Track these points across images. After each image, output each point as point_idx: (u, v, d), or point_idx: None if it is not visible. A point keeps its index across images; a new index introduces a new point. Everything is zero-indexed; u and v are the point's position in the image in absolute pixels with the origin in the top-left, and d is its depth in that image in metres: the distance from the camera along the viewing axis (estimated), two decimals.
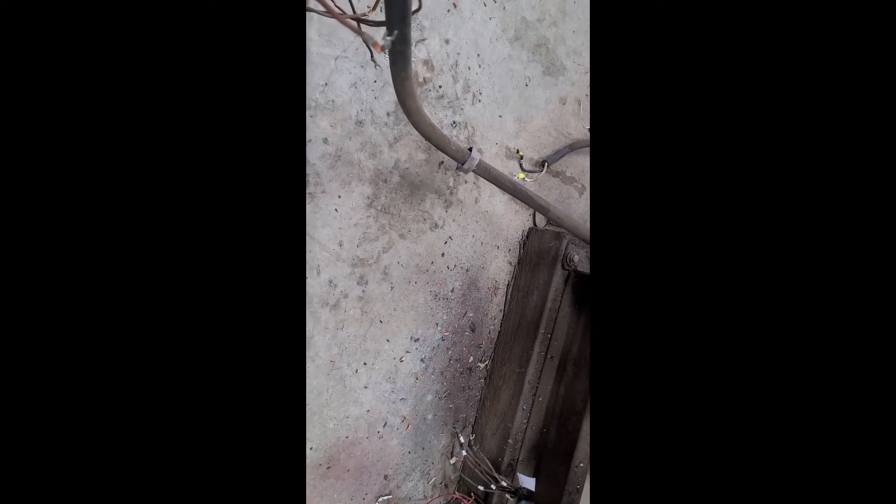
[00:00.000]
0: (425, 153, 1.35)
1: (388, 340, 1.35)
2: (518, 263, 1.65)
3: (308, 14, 1.03)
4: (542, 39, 1.59)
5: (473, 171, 1.19)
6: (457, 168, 1.19)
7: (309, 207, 1.13)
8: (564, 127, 1.72)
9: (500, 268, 1.61)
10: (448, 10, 1.33)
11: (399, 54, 0.80)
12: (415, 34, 1.27)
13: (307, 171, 1.12)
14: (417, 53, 1.29)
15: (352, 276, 1.25)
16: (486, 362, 1.62)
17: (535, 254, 1.58)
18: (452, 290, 1.49)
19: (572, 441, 1.45)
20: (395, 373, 1.39)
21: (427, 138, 1.08)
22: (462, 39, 1.38)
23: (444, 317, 1.48)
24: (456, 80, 1.39)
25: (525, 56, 1.55)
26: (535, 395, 1.54)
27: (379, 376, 1.36)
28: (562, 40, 1.65)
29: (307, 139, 1.11)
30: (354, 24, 0.74)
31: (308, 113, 1.10)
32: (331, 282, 1.21)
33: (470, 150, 1.16)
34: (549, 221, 1.65)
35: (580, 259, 1.47)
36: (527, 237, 1.65)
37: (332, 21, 1.04)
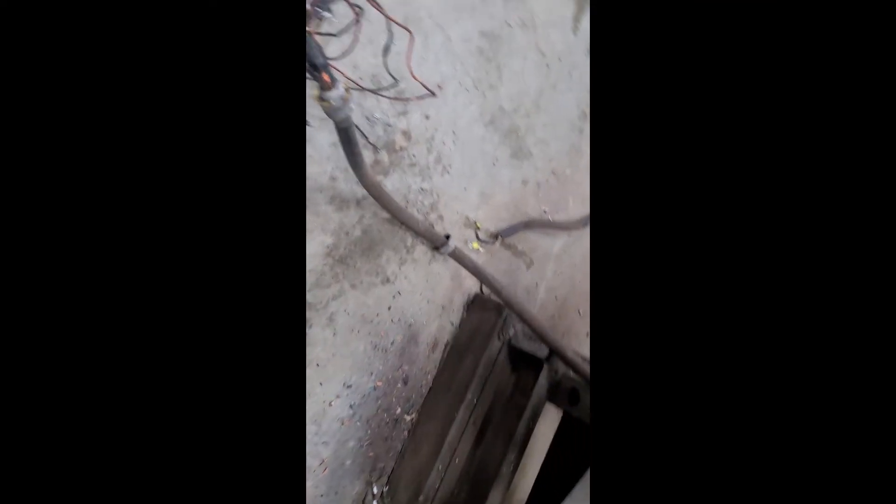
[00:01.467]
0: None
1: (321, 384, 1.40)
2: (459, 325, 1.74)
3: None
4: (514, 127, 1.74)
5: (448, 255, 1.29)
6: (431, 249, 1.29)
7: None
8: (523, 206, 1.87)
9: (442, 326, 1.70)
10: (434, 93, 1.46)
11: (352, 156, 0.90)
12: (397, 107, 1.38)
13: None
14: (398, 124, 1.40)
15: None
16: (413, 415, 1.68)
17: (476, 319, 1.68)
18: (392, 343, 1.56)
19: None
20: (323, 415, 1.43)
21: (393, 215, 1.18)
22: (442, 117, 1.51)
23: (380, 367, 1.54)
24: (430, 151, 1.51)
25: (497, 139, 1.70)
26: (452, 455, 1.61)
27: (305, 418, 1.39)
28: (532, 130, 1.81)
29: None
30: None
31: None
32: None
33: (447, 237, 1.27)
34: (503, 302, 1.76)
35: (515, 334, 1.58)
36: (472, 302, 1.75)
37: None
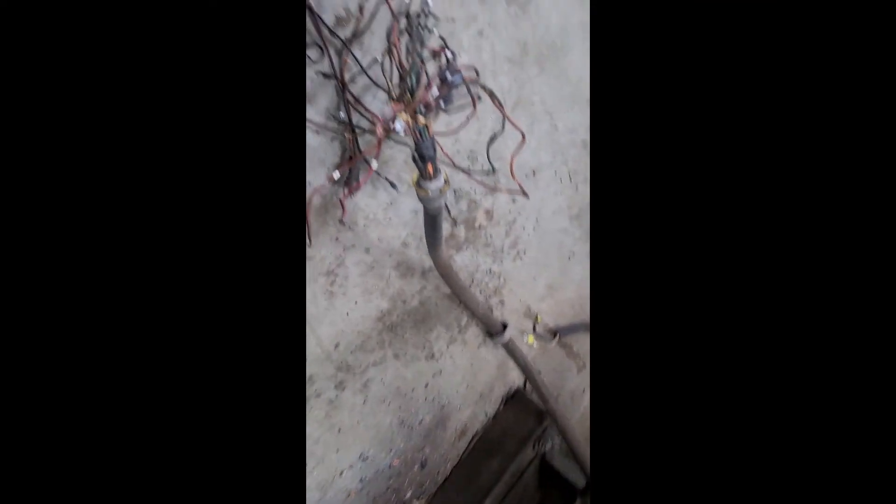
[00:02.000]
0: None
1: (337, 450, 1.31)
2: (493, 417, 1.62)
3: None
4: None
5: (501, 344, 1.20)
6: (485, 334, 1.20)
7: (324, 305, 1.14)
8: (589, 306, 1.75)
9: (475, 415, 1.58)
10: (526, 175, 1.40)
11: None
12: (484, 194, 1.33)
13: (337, 273, 1.14)
14: (483, 202, 1.34)
15: (332, 379, 1.23)
16: (422, 503, 1.55)
17: (512, 418, 1.55)
18: (420, 422, 1.46)
19: None
20: (330, 484, 1.33)
21: (456, 294, 1.11)
22: (528, 203, 1.44)
23: (402, 444, 1.44)
24: (508, 234, 1.44)
25: (578, 234, 1.61)
26: None
27: (312, 482, 1.30)
28: None
29: (353, 244, 1.13)
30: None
31: (362, 222, 1.14)
32: (310, 377, 1.19)
33: (504, 326, 1.18)
34: (545, 409, 1.63)
35: (551, 448, 1.44)
36: (511, 396, 1.63)
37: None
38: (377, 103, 1.02)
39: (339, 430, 1.29)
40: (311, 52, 0.91)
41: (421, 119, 0.66)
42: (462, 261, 1.37)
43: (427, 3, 0.71)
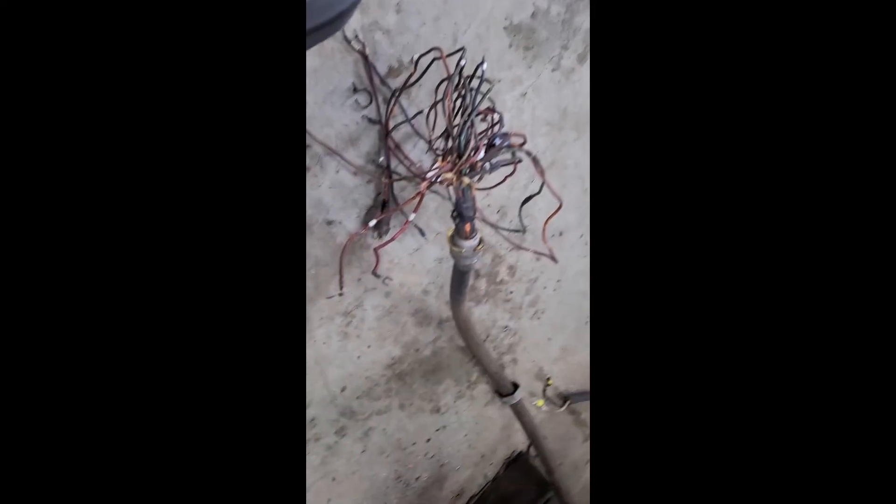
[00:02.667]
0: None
1: (328, 500, 1.25)
2: (493, 481, 1.54)
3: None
4: None
5: (510, 405, 1.17)
6: (494, 392, 1.17)
7: (337, 346, 1.12)
8: None
9: (474, 477, 1.51)
10: (552, 235, 1.39)
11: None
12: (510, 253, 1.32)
13: (354, 314, 1.12)
14: (508, 257, 1.33)
15: (334, 424, 1.19)
16: None
17: (513, 485, 1.48)
18: (417, 479, 1.39)
19: None
20: None
21: (471, 348, 1.08)
22: (551, 263, 1.43)
23: (395, 501, 1.37)
24: (529, 292, 1.42)
25: None
26: None
27: None
28: None
29: (374, 287, 1.12)
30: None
31: (386, 265, 1.13)
32: (312, 420, 1.15)
33: (516, 387, 1.15)
34: (548, 481, 1.55)
35: None
36: (514, 460, 1.56)
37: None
38: (416, 151, 1.04)
39: (334, 479, 1.24)
40: (361, 98, 0.93)
41: (465, 180, 0.66)
42: (480, 314, 1.35)
43: (483, 69, 0.72)
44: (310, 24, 0.59)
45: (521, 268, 1.37)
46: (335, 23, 0.62)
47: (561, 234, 1.41)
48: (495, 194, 1.21)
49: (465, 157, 0.64)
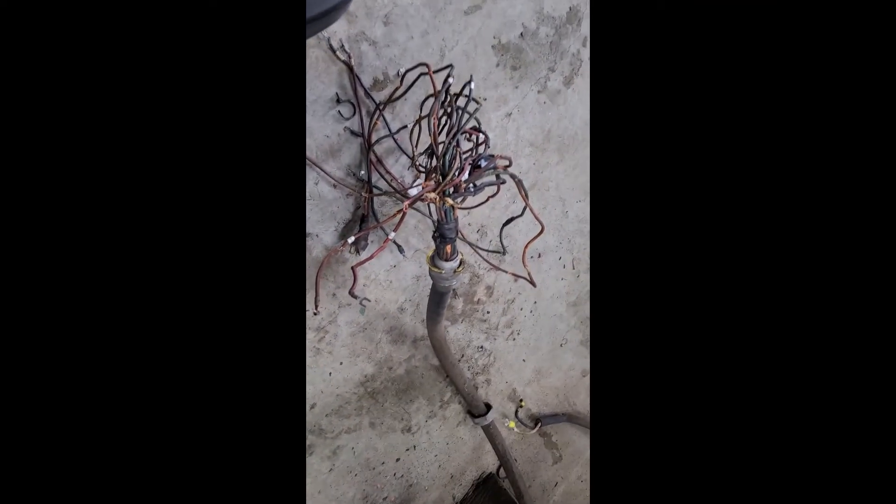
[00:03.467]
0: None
1: None
2: (461, 502, 1.51)
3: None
4: None
5: (482, 426, 1.14)
6: (466, 412, 1.14)
7: (309, 361, 1.08)
8: (574, 396, 1.69)
9: (442, 498, 1.48)
10: (531, 257, 1.39)
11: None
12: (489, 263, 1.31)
13: (327, 330, 1.08)
14: (486, 278, 1.32)
15: None
16: None
17: None
18: (384, 499, 1.35)
19: None
20: None
21: (445, 369, 1.06)
22: (528, 285, 1.42)
23: None
24: (505, 313, 1.40)
25: (574, 322, 1.58)
26: None
27: None
28: None
29: (349, 303, 1.09)
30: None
31: (362, 282, 1.10)
32: None
33: (488, 408, 1.13)
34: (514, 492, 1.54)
35: None
36: (483, 482, 1.53)
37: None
38: (398, 167, 1.02)
39: None
40: (344, 109, 0.91)
41: (448, 201, 0.65)
42: (455, 333, 1.32)
43: (470, 88, 0.71)
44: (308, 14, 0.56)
45: (499, 288, 1.36)
46: (331, 14, 0.60)
47: (539, 255, 1.41)
48: (476, 213, 1.20)
49: (448, 178, 0.63)
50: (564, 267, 1.47)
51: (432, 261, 0.74)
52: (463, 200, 0.68)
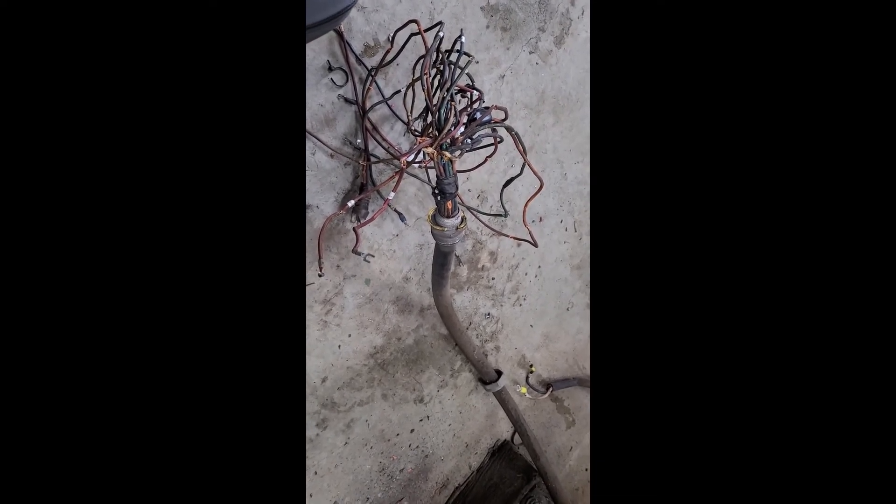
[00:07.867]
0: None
1: (310, 495, 1.22)
2: (478, 471, 1.53)
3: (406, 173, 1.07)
4: None
5: (493, 392, 1.15)
6: (477, 380, 1.15)
7: (316, 335, 1.09)
8: (583, 360, 1.71)
9: (458, 467, 1.50)
10: (533, 221, 1.39)
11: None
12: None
13: (333, 303, 1.09)
14: (489, 244, 1.32)
15: (315, 416, 1.15)
16: None
17: (497, 473, 1.47)
18: (401, 470, 1.37)
19: None
20: None
21: (453, 336, 1.06)
22: (532, 249, 1.42)
23: (379, 494, 1.34)
24: (510, 279, 1.41)
25: (578, 285, 1.59)
26: None
27: None
28: None
29: (354, 274, 1.09)
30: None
31: (364, 250, 1.11)
32: None
33: (499, 374, 1.13)
34: (535, 467, 1.55)
35: None
36: (498, 449, 1.55)
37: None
38: (394, 134, 1.01)
39: (316, 473, 1.20)
40: (336, 77, 0.90)
41: (446, 154, 0.64)
42: (462, 301, 1.33)
43: (461, 42, 0.71)
44: (309, 20, 0.56)
45: (502, 254, 1.36)
46: (335, 19, 0.60)
47: (541, 219, 1.41)
48: (475, 179, 1.20)
49: (445, 131, 0.62)
50: (566, 230, 1.47)
51: (434, 219, 0.74)
52: (461, 155, 0.67)
